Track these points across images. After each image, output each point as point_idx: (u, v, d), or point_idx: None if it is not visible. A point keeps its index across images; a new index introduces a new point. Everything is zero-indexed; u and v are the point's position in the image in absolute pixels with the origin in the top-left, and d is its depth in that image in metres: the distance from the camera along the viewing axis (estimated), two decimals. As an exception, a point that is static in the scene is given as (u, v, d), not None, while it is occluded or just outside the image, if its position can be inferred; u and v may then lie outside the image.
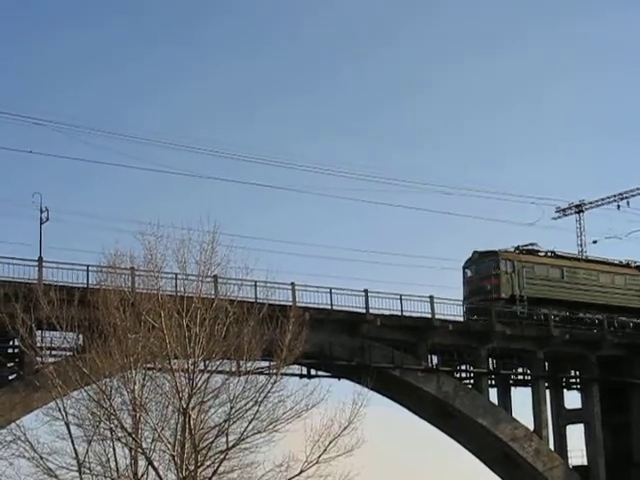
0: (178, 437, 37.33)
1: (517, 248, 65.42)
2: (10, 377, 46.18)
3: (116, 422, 37.43)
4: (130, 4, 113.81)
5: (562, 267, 65.30)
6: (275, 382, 38.93)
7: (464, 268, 64.29)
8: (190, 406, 36.99)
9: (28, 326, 38.76)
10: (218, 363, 38.35)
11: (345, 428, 39.26)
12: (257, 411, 38.22)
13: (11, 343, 45.32)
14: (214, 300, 38.61)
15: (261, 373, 39.87)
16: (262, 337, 38.85)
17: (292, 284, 51.73)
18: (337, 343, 54.32)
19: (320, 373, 55.26)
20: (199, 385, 37.36)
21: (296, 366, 51.40)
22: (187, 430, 36.89)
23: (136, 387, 37.30)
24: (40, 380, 40.52)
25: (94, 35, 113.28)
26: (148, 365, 38.00)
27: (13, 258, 45.78)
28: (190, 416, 36.93)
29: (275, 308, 41.17)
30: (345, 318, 54.72)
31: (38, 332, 41.16)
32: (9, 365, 46.19)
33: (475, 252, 64.28)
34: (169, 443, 37.35)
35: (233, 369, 38.91)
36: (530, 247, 65.92)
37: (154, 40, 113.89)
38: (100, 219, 57.18)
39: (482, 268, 63.56)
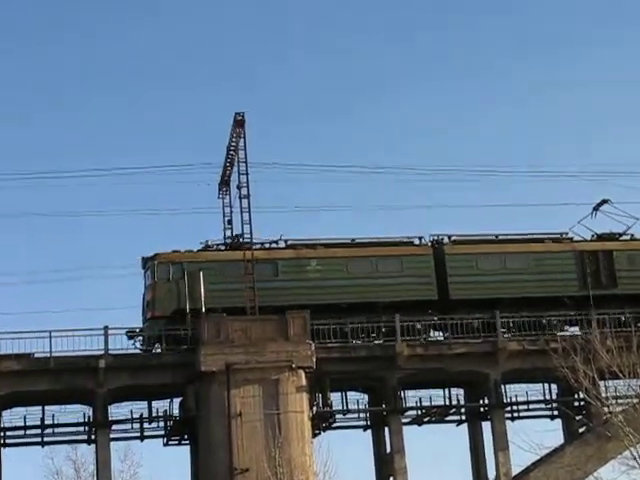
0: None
1: (207, 244, 47.91)
2: (580, 430, 46.76)
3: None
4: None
5: (276, 261, 47.14)
6: None
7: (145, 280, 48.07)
8: None
9: (590, 377, 39.17)
10: None
11: None
12: None
13: (576, 396, 45.96)
14: None
15: None
16: None
17: None
18: None
19: None
20: None
21: None
22: None
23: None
24: (610, 430, 40.63)
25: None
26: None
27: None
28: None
29: None
30: None
31: (601, 382, 41.39)
32: (577, 418, 46.84)
33: (141, 258, 47.66)
34: None
35: None
36: (236, 240, 47.88)
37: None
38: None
39: (146, 279, 47.33)
